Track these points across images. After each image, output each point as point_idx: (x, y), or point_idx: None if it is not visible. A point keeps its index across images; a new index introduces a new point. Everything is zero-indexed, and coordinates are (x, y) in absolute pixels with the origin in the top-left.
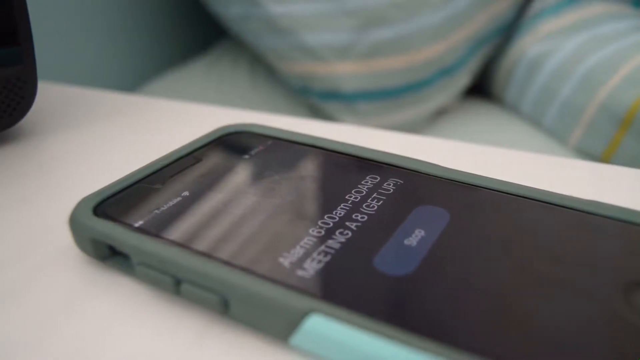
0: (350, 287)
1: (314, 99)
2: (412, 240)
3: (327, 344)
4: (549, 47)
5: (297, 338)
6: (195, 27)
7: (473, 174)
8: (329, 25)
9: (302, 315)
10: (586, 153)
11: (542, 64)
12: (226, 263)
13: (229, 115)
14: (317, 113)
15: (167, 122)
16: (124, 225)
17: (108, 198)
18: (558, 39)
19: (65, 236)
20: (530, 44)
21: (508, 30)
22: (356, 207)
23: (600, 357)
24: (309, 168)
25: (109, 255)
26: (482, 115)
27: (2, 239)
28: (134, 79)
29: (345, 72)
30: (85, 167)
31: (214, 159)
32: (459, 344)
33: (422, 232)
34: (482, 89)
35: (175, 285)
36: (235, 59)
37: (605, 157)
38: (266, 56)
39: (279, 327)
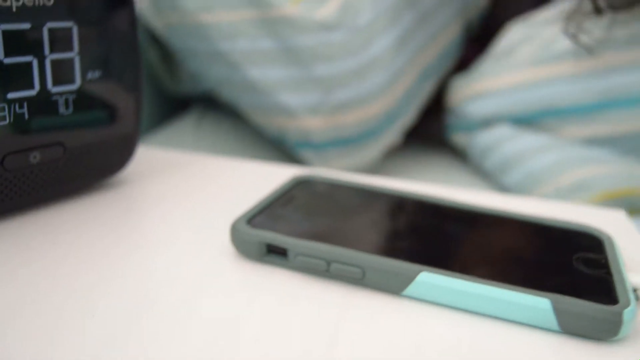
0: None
1: (288, 147)
2: (452, 238)
3: (433, 290)
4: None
5: (410, 289)
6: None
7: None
8: (301, 88)
9: (416, 273)
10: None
11: (493, 151)
12: (359, 249)
13: (262, 168)
14: (291, 158)
15: (223, 173)
16: (277, 231)
17: (253, 217)
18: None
19: (217, 243)
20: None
21: (449, 65)
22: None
23: None
24: (354, 200)
25: (265, 253)
26: (428, 151)
27: (176, 246)
28: None
29: (315, 126)
30: (184, 205)
31: (301, 194)
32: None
33: (457, 234)
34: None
35: (327, 266)
36: (218, 117)
37: None
38: (244, 111)
39: (398, 284)
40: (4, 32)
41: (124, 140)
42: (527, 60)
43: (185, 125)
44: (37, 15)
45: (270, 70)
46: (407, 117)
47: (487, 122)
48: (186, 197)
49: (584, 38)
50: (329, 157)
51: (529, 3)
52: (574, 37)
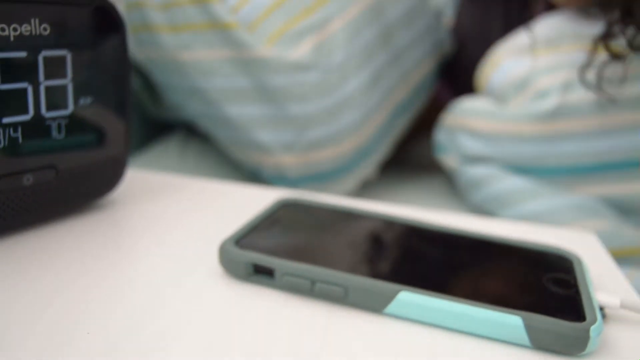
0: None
1: (264, 181)
2: (430, 259)
3: (413, 309)
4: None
5: (390, 308)
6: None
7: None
8: (275, 126)
9: (396, 292)
10: None
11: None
12: (342, 269)
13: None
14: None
15: (210, 196)
16: (264, 252)
17: (241, 238)
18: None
19: (206, 264)
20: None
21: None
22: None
23: None
24: (338, 222)
25: (252, 273)
26: (414, 171)
27: (166, 266)
28: None
29: (290, 163)
30: (172, 226)
31: (286, 216)
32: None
33: (435, 255)
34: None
35: (311, 286)
36: (203, 141)
37: None
38: (221, 145)
39: (379, 302)
40: (1, 60)
41: (114, 163)
42: (522, 113)
43: (170, 148)
44: (33, 43)
45: (246, 108)
46: (381, 153)
47: (478, 159)
48: (175, 219)
49: (606, 88)
50: (304, 191)
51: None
52: (597, 89)
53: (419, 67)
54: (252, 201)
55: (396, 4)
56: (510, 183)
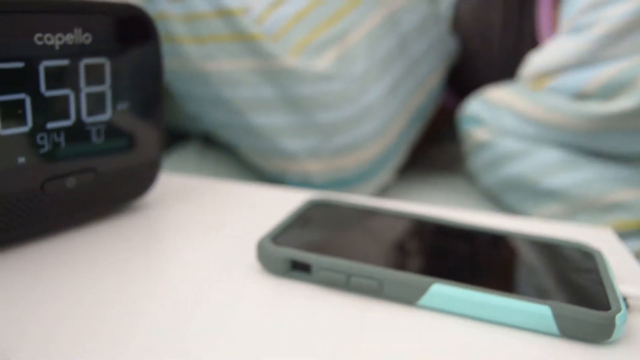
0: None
1: (288, 186)
2: (459, 254)
3: (445, 300)
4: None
5: (424, 300)
6: None
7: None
8: (301, 134)
9: (429, 285)
10: None
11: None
12: (377, 264)
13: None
14: None
15: (238, 197)
16: (301, 248)
17: (277, 236)
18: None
19: (243, 261)
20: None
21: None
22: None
23: None
24: (367, 220)
25: (290, 269)
26: (437, 174)
27: (205, 264)
28: None
29: (315, 169)
30: (205, 227)
31: (317, 215)
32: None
33: (464, 250)
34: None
35: (347, 279)
36: (221, 146)
37: None
38: (243, 153)
39: (413, 295)
40: (46, 68)
41: (148, 165)
42: (600, 113)
43: (188, 156)
44: (76, 52)
45: (272, 116)
46: (399, 158)
47: (516, 135)
48: (206, 219)
49: None
50: None
51: (498, 52)
52: None
53: (432, 74)
54: (277, 202)
55: (411, 15)
56: (547, 155)
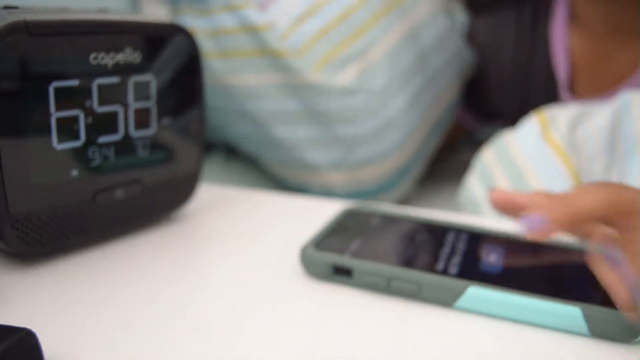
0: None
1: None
2: (491, 259)
3: (481, 302)
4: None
5: (460, 302)
6: None
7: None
8: (324, 146)
9: (465, 287)
10: None
11: None
12: (414, 268)
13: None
14: None
15: (273, 206)
16: (343, 254)
17: (319, 242)
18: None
19: (286, 266)
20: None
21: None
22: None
23: None
24: (401, 227)
25: (332, 273)
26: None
27: (250, 269)
28: None
29: (337, 181)
30: (245, 234)
31: (354, 223)
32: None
33: (495, 256)
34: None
35: (387, 283)
36: (245, 158)
37: None
38: (266, 164)
39: (450, 297)
40: (99, 86)
41: (189, 178)
42: None
43: (213, 167)
44: (126, 69)
45: (295, 129)
46: (418, 170)
47: None
48: (244, 228)
49: None
50: None
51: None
52: None
53: (450, 87)
54: (309, 211)
55: (430, 29)
56: None
